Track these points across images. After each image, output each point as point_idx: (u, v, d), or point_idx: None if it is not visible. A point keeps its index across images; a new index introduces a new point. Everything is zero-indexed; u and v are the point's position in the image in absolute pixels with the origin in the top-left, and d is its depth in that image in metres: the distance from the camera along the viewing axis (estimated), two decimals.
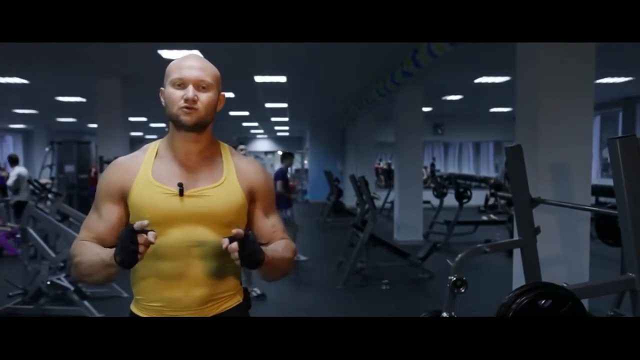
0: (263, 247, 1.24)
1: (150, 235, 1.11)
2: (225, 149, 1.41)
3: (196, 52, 5.84)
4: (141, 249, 1.11)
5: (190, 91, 1.26)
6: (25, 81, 7.87)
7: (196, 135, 1.32)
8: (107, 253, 1.17)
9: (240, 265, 1.22)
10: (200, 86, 1.28)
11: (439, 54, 4.78)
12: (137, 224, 1.11)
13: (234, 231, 1.16)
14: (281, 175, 6.39)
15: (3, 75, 7.54)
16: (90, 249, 1.26)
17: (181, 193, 1.28)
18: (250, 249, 1.17)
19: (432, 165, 16.82)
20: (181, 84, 1.28)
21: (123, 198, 1.32)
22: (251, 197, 1.38)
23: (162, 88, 1.33)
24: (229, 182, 1.34)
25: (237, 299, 1.39)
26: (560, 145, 3.53)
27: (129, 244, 1.11)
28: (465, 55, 5.99)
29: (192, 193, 1.29)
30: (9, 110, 11.90)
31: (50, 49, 5.73)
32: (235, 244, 1.15)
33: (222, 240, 1.18)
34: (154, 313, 1.30)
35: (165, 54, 5.80)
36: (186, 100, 1.26)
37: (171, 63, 1.33)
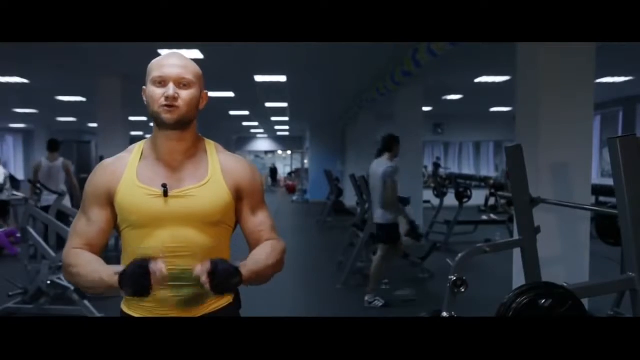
0: (243, 263, 1.23)
1: (160, 269, 1.13)
2: (211, 146, 1.40)
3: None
4: (154, 281, 1.13)
5: (170, 89, 1.26)
6: (25, 80, 7.87)
7: (179, 134, 1.31)
8: (108, 274, 1.18)
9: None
10: (181, 84, 1.28)
11: (439, 53, 4.78)
12: (152, 266, 1.12)
13: (198, 268, 1.16)
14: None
15: (3, 75, 7.54)
16: (88, 263, 1.25)
17: (165, 194, 1.27)
18: (219, 279, 1.16)
19: (435, 164, 16.66)
20: (162, 82, 1.27)
21: (110, 201, 1.31)
22: (238, 196, 1.36)
23: (144, 87, 1.32)
24: (214, 180, 1.32)
25: (227, 299, 1.38)
26: (560, 145, 3.53)
27: (141, 280, 1.12)
28: (466, 55, 5.99)
29: (176, 193, 1.28)
30: (9, 109, 11.90)
31: (50, 49, 5.72)
32: (205, 277, 1.15)
33: (195, 269, 1.17)
34: (145, 312, 1.30)
35: (165, 53, 5.79)
36: (167, 98, 1.26)
37: (152, 61, 1.32)
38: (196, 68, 1.33)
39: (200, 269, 1.15)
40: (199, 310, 1.32)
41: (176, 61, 1.30)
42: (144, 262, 1.12)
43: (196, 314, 1.31)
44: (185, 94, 1.28)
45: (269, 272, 1.33)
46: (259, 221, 1.40)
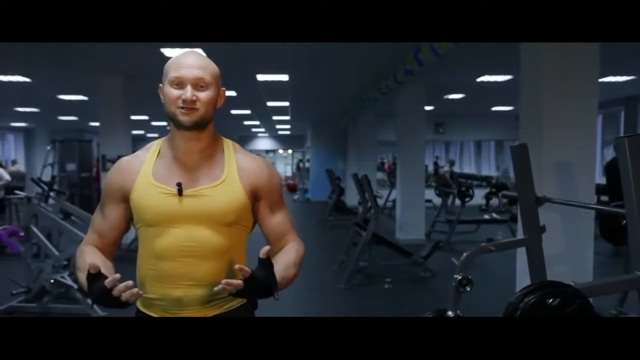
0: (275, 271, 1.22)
1: (129, 294, 1.15)
2: (229, 145, 1.39)
3: (198, 50, 5.84)
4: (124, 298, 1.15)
5: (188, 91, 1.25)
6: (26, 79, 7.86)
7: (197, 134, 1.30)
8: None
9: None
10: (198, 85, 1.27)
11: (441, 52, 4.77)
12: (107, 281, 1.14)
13: (227, 283, 1.14)
14: None
15: (4, 74, 7.53)
16: (83, 269, 1.26)
17: (180, 193, 1.27)
18: (249, 293, 1.18)
19: (436, 163, 16.72)
20: (179, 84, 1.26)
21: (125, 199, 1.32)
22: (255, 196, 1.35)
23: (160, 85, 1.31)
24: (229, 181, 1.32)
25: (241, 299, 1.36)
26: (564, 144, 3.52)
27: (108, 300, 1.15)
28: (468, 54, 5.97)
29: (191, 193, 1.28)
30: (10, 108, 11.88)
31: (51, 48, 5.71)
32: (237, 282, 1.15)
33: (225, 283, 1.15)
34: (158, 310, 1.30)
35: (167, 52, 5.78)
36: (184, 101, 1.25)
37: (170, 60, 1.31)
38: (214, 67, 1.32)
39: (229, 285, 1.15)
40: (213, 310, 1.31)
41: (194, 61, 1.28)
42: (107, 290, 1.15)
43: (209, 313, 1.31)
44: (203, 96, 1.27)
45: (293, 279, 1.33)
46: (277, 221, 1.39)
